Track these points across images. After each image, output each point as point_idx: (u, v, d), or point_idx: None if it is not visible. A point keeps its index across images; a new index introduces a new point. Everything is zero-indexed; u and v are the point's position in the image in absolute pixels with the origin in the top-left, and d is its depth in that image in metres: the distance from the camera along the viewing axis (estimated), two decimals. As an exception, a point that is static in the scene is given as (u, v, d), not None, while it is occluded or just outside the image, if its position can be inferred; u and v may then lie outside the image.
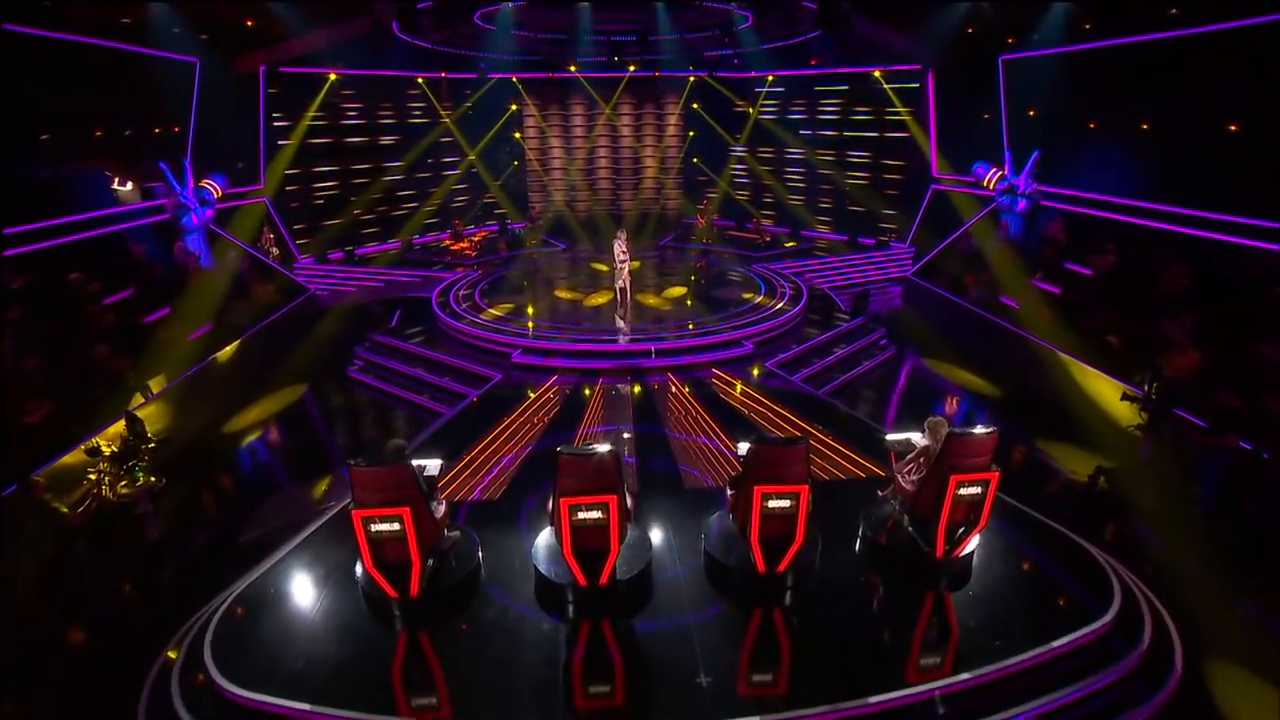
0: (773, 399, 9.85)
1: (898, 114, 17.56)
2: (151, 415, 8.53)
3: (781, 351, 11.69)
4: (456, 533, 6.04)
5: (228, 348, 10.68)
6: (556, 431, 8.99)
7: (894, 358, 12.40)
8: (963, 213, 15.74)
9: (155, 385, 9.30)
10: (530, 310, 13.44)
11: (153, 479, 6.60)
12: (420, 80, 18.26)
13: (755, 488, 5.18)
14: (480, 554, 6.04)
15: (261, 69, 14.56)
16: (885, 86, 17.29)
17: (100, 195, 11.89)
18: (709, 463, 8.09)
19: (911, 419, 10.25)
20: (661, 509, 6.97)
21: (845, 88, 18.51)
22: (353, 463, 4.92)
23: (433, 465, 5.98)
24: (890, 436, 6.43)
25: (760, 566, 5.51)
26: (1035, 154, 13.58)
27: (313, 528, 6.71)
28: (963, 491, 5.36)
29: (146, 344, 9.68)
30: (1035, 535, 6.42)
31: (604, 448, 5.19)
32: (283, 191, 16.17)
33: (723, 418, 9.25)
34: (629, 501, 5.52)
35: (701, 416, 9.35)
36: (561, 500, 5.01)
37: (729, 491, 5.83)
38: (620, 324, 12.46)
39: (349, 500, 5.08)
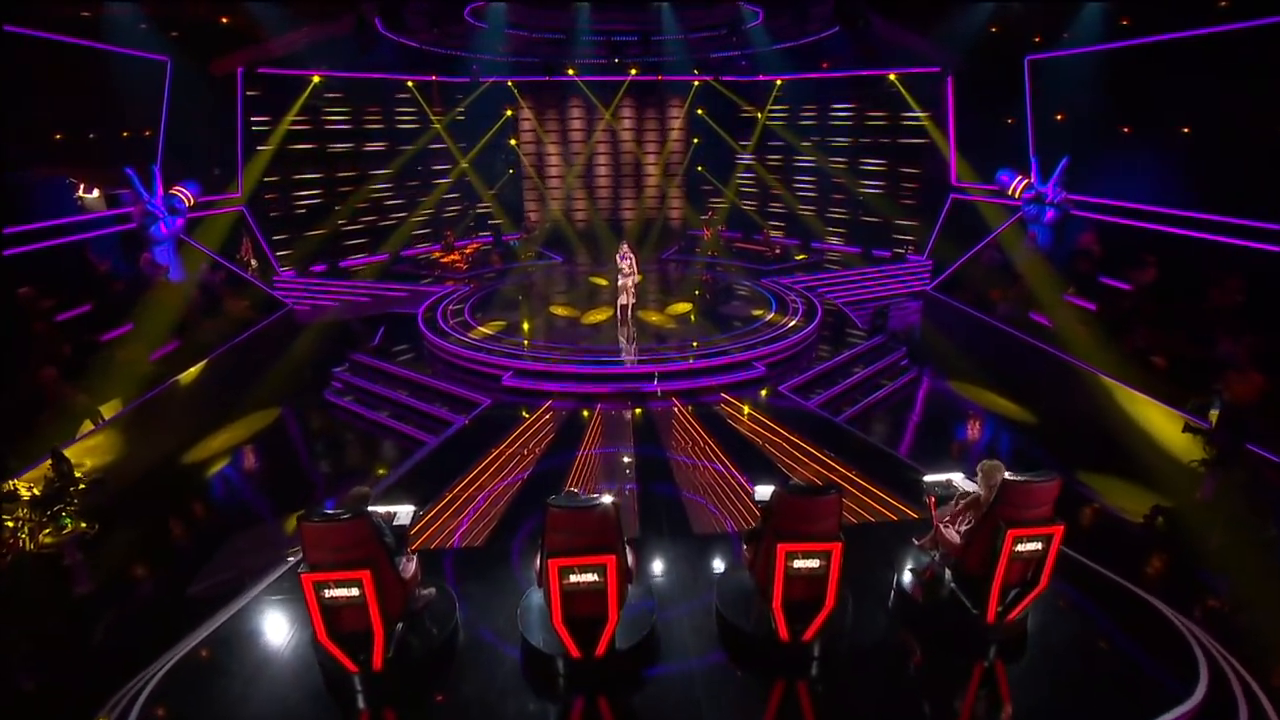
0: (787, 426, 9.21)
1: (914, 119, 17.06)
2: (98, 446, 7.90)
3: (795, 374, 11.08)
4: (431, 590, 5.39)
5: (192, 369, 10.06)
6: (549, 464, 8.35)
7: (916, 380, 11.77)
8: (986, 223, 15.20)
9: (108, 410, 8.67)
10: (526, 327, 12.86)
11: (83, 525, 5.95)
12: (410, 84, 17.81)
13: (779, 546, 4.53)
14: (459, 614, 5.38)
15: (239, 70, 14.06)
16: (901, 90, 16.78)
17: (60, 203, 11.34)
18: (718, 496, 7.44)
19: (939, 449, 9.73)
20: (666, 556, 6.31)
21: (859, 92, 18.00)
22: (304, 518, 4.27)
23: (404, 513, 5.34)
24: (929, 478, 5.79)
25: (783, 634, 4.85)
26: (1064, 160, 13.07)
27: (271, 578, 6.05)
28: (1020, 548, 4.71)
29: (101, 364, 9.06)
30: (1099, 593, 5.75)
31: (603, 498, 4.56)
32: (261, 200, 15.63)
33: (734, 450, 8.60)
34: (630, 558, 4.87)
35: (710, 448, 8.70)
36: (550, 562, 4.36)
37: (745, 546, 5.17)
38: (623, 343, 11.87)
39: (300, 559, 4.44)
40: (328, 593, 4.31)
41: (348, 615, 4.44)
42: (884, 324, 13.02)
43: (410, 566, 4.97)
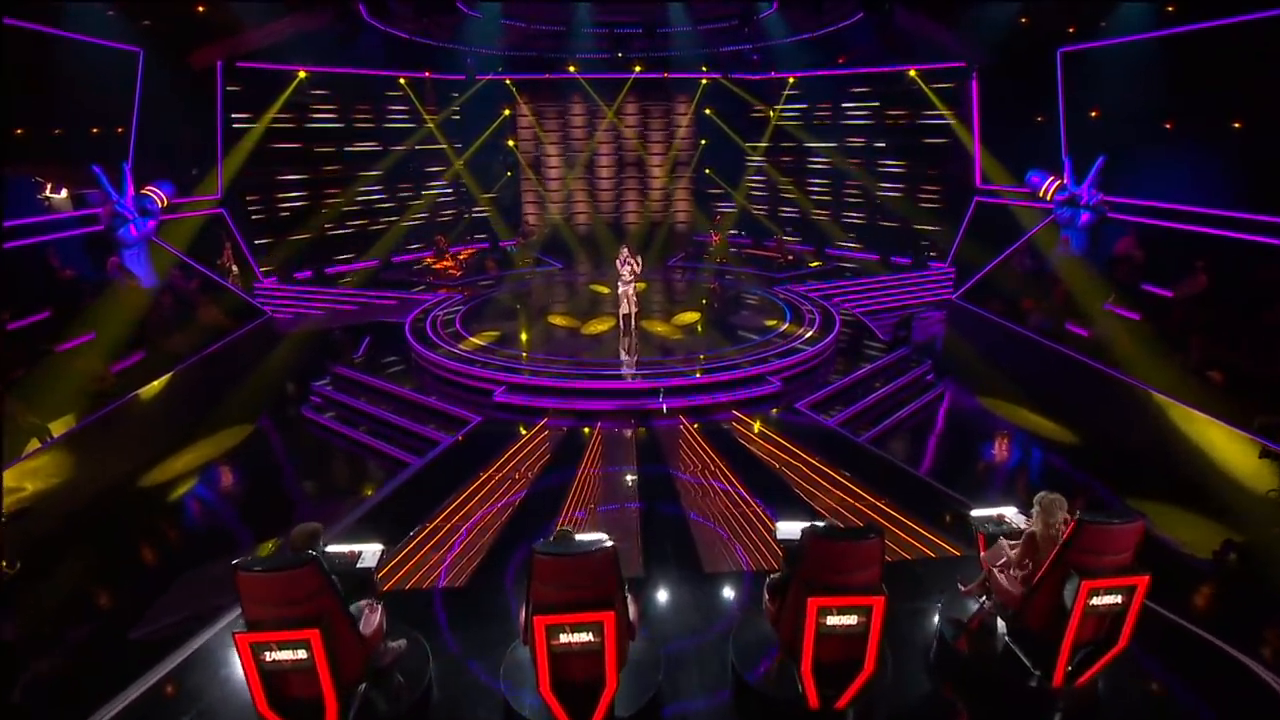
0: (806, 447, 8.59)
1: (937, 117, 16.51)
2: (43, 468, 7.33)
3: (812, 389, 10.48)
4: (401, 642, 4.77)
5: (156, 382, 9.49)
6: (543, 487, 7.74)
7: (943, 396, 11.13)
8: (1014, 227, 14.62)
9: (58, 427, 8.10)
10: (524, 337, 12.31)
11: (3, 564, 5.36)
12: (402, 80, 17.35)
13: (809, 600, 3.90)
14: (434, 670, 4.77)
15: (219, 63, 13.60)
16: (922, 86, 16.25)
17: (19, 202, 10.82)
18: (732, 526, 6.81)
19: (974, 474, 9.11)
20: (674, 601, 5.69)
21: (877, 89, 17.48)
22: (239, 565, 3.67)
23: (369, 553, 4.73)
24: (977, 513, 5.16)
25: (812, 701, 4.21)
26: (1100, 160, 12.50)
27: (225, 621, 5.45)
28: (1096, 602, 4.07)
29: (55, 376, 8.49)
30: (1172, 645, 5.09)
31: (599, 540, 3.96)
32: (243, 202, 15.13)
33: (749, 474, 7.98)
34: (631, 610, 4.25)
35: (722, 471, 8.08)
36: (537, 620, 3.74)
37: (767, 596, 4.54)
38: (625, 357, 11.30)
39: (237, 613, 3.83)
40: (269, 655, 3.70)
41: (295, 681, 3.82)
42: (907, 335, 12.40)
43: (374, 618, 4.35)
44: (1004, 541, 4.83)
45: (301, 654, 3.70)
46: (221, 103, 13.98)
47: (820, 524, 4.79)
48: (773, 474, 8.05)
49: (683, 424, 9.51)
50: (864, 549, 3.94)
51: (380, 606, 4.48)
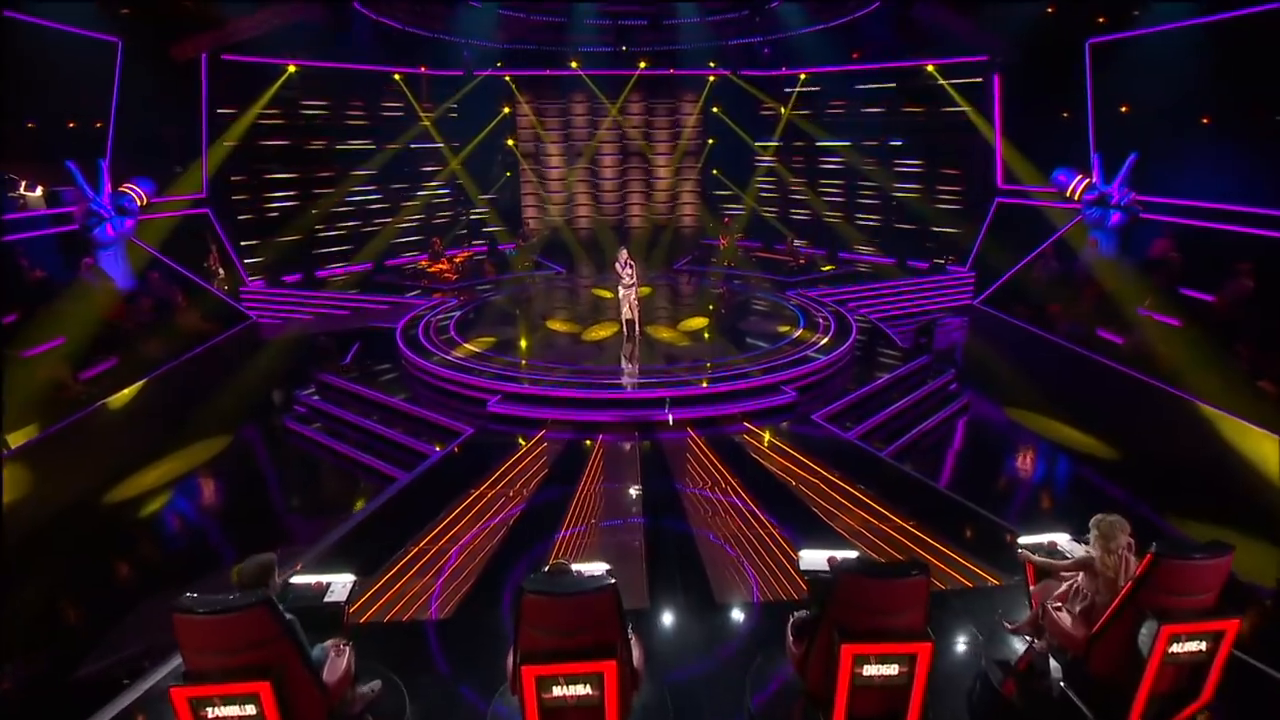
0: (825, 462, 8.10)
1: (956, 115, 16.07)
2: (-4, 484, 6.86)
3: (829, 400, 10.00)
4: (375, 684, 4.31)
5: (126, 390, 9.05)
6: (539, 506, 7.27)
7: (968, 407, 10.63)
8: (1038, 229, 14.17)
9: (17, 439, 7.65)
10: (524, 344, 11.88)
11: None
12: (397, 76, 16.99)
13: (843, 647, 3.41)
14: (410, 717, 4.29)
15: (203, 56, 13.23)
16: (941, 81, 15.81)
17: (-13, 200, 10.46)
18: (746, 549, 6.32)
19: (1003, 490, 8.64)
20: (683, 637, 5.20)
21: (893, 85, 17.05)
22: (178, 607, 3.21)
23: (339, 585, 4.26)
24: (1025, 540, 4.66)
25: (845, 761, 3.71)
26: (1131, 157, 12.06)
27: (178, 661, 4.95)
28: (1177, 649, 3.57)
29: (16, 384, 8.05)
30: (1252, 692, 4.58)
31: (599, 573, 3.50)
32: (229, 201, 14.75)
33: (764, 491, 7.49)
34: (636, 655, 3.77)
35: (734, 489, 7.59)
36: (525, 670, 3.26)
37: (791, 638, 4.05)
38: (626, 364, 10.86)
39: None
40: (211, 713, 3.22)
41: (244, 739, 3.34)
42: (929, 342, 11.91)
43: (341, 662, 3.87)
44: (1057, 570, 4.34)
45: (250, 710, 3.22)
46: (206, 97, 13.60)
47: (852, 556, 4.33)
48: (789, 491, 7.57)
49: (690, 436, 9.03)
50: (907, 588, 3.45)
51: (349, 647, 4.00)
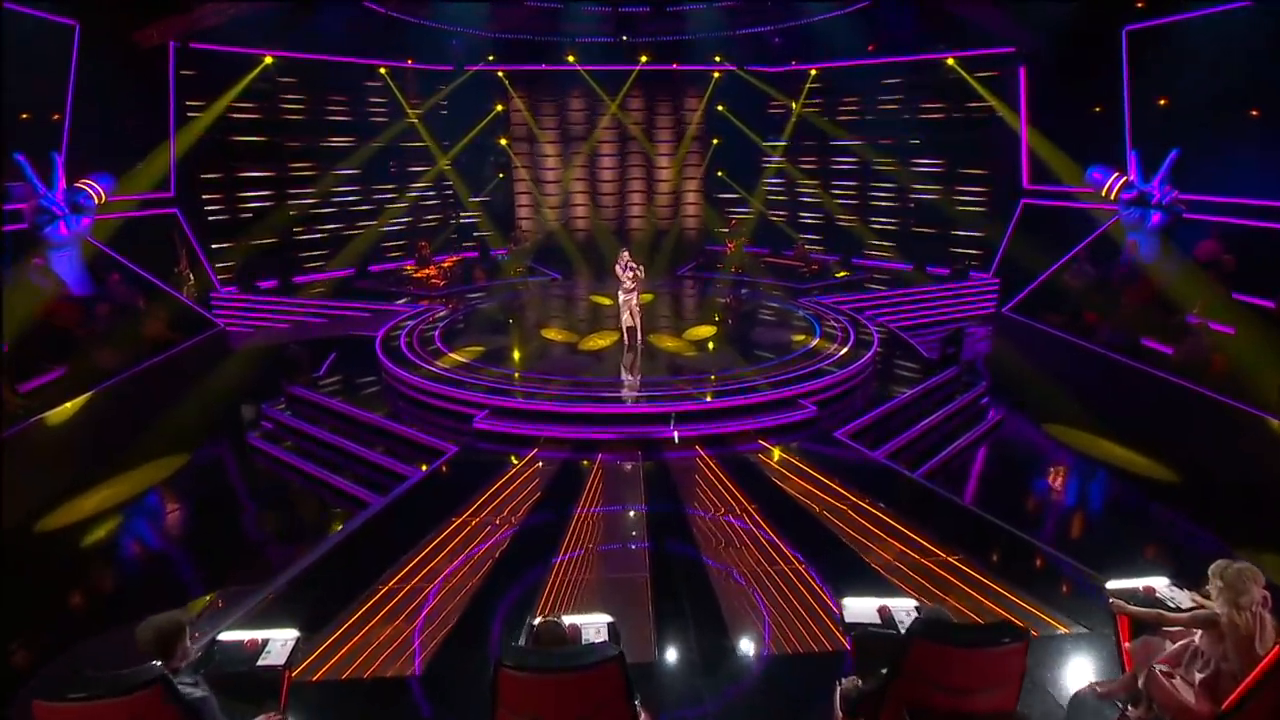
0: (852, 486, 7.41)
1: (978, 111, 15.52)
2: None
3: (850, 415, 9.35)
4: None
5: (69, 403, 8.35)
6: (531, 535, 6.57)
7: (1002, 423, 9.94)
8: (1070, 231, 13.58)
9: (-60, 461, 6.95)
10: (516, 355, 11.22)
11: None
12: (382, 70, 16.43)
13: (920, 737, 2.71)
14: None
15: (170, 43, 12.64)
16: (963, 74, 15.26)
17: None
18: (764, 582, 5.61)
19: (1056, 518, 7.93)
20: (695, 695, 4.48)
21: (910, 80, 16.51)
22: (42, 691, 2.51)
23: (278, 643, 3.56)
24: (1115, 586, 3.96)
25: None
26: (1173, 153, 11.55)
27: None
28: (1342, 737, 2.87)
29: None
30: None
31: (596, 626, 2.82)
32: (199, 201, 14.11)
33: (787, 521, 6.80)
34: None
35: (753, 517, 6.90)
36: (501, 773, 2.56)
37: (840, 713, 3.33)
38: (626, 376, 10.20)
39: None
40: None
41: None
42: (957, 352, 11.24)
43: (274, 746, 3.16)
44: (1167, 626, 3.65)
45: (138, 824, 2.52)
46: (174, 89, 12.99)
47: (907, 606, 3.65)
48: (812, 518, 6.87)
49: (699, 456, 8.34)
50: (997, 660, 2.76)
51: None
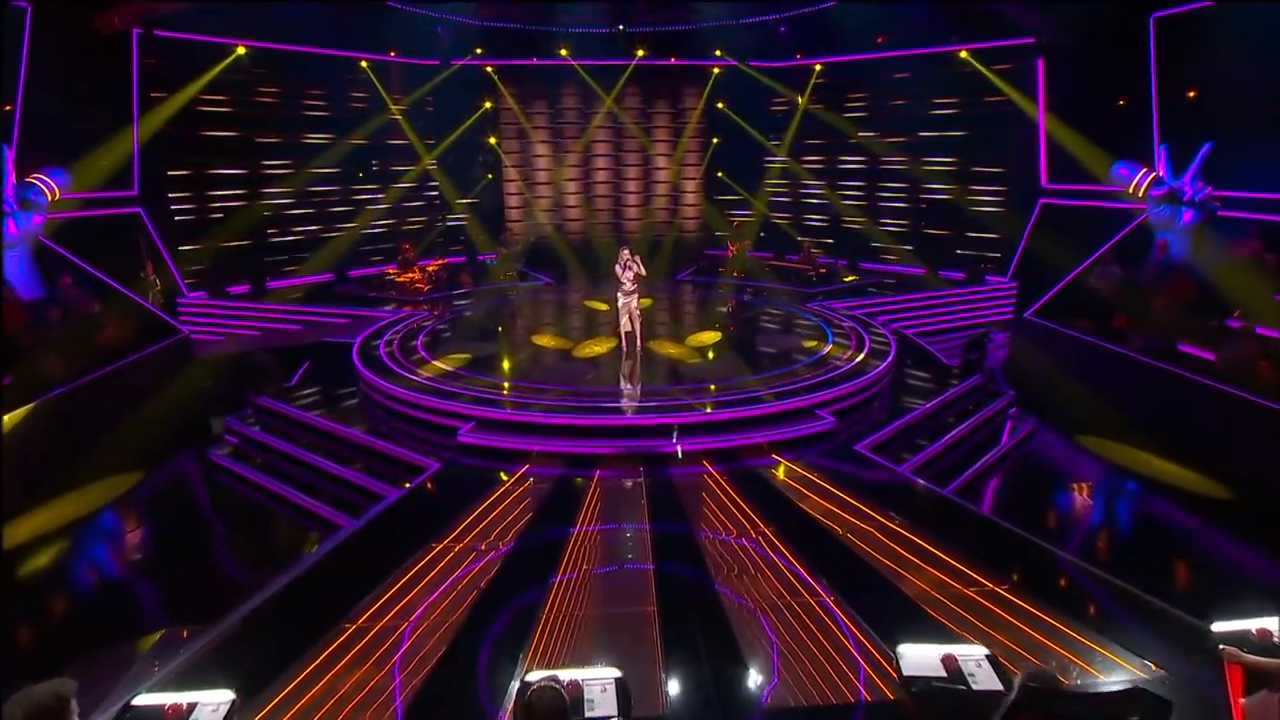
0: (878, 505, 6.84)
1: (995, 105, 15.10)
2: None
3: (871, 426, 8.81)
4: None
5: (10, 414, 7.70)
6: (519, 565, 5.96)
7: (1034, 434, 9.41)
8: (1093, 232, 13.14)
9: None
10: (505, 364, 10.66)
11: None
12: (364, 63, 15.91)
13: None
14: None
15: (133, 30, 12.08)
16: (980, 67, 14.83)
17: None
18: (786, 617, 5.02)
19: (1100, 537, 7.40)
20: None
21: (921, 73, 16.09)
22: None
23: (208, 708, 2.95)
24: (1221, 628, 3.39)
25: None
26: (1206, 147, 11.14)
27: None
28: None
29: None
30: None
31: (600, 685, 2.28)
32: (165, 199, 13.52)
33: (807, 544, 6.22)
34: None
35: (771, 540, 6.31)
36: None
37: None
38: (626, 385, 9.66)
39: None
40: None
41: None
42: (980, 358, 10.71)
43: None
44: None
45: None
46: (138, 79, 12.41)
47: (977, 655, 3.09)
48: (837, 542, 6.30)
49: (708, 472, 7.77)
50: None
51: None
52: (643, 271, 10.36)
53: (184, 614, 5.51)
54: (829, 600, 5.41)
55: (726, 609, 5.34)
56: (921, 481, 7.51)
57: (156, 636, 5.16)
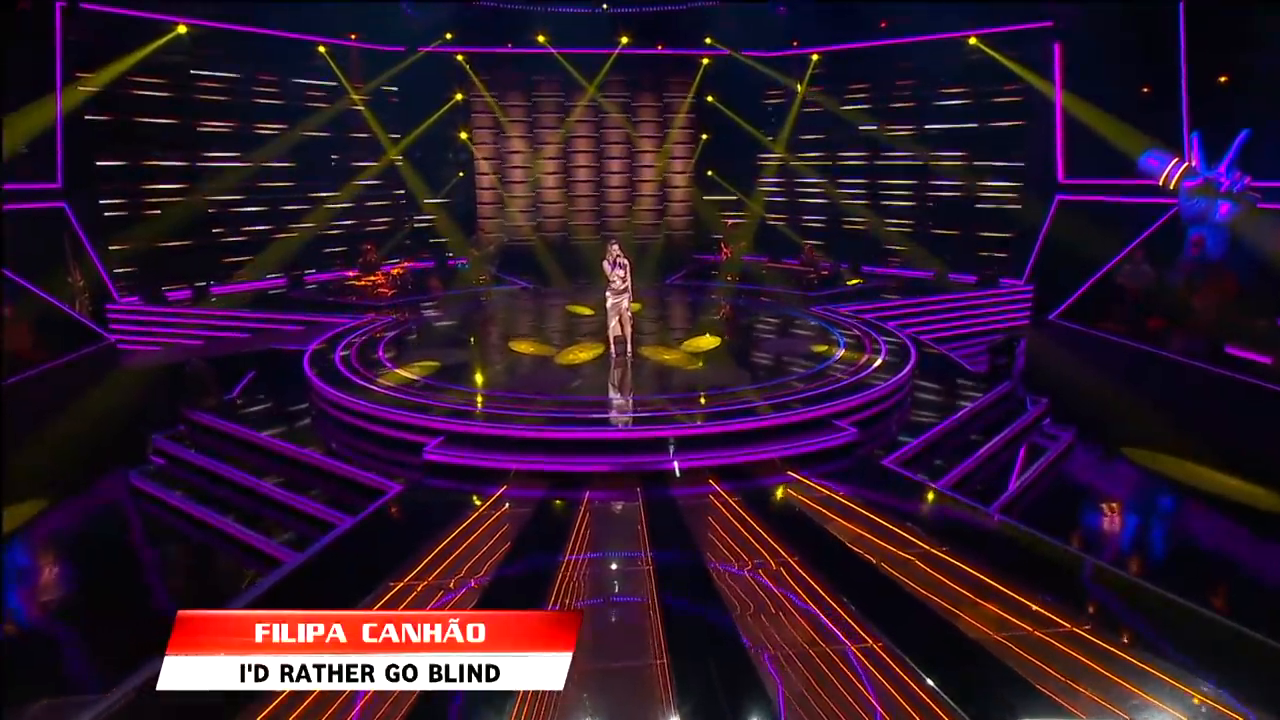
0: (913, 529, 6.10)
1: (1007, 96, 14.66)
2: None
3: (891, 438, 8.14)
4: None
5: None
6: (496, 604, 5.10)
7: (1074, 447, 8.76)
8: (1117, 228, 12.70)
9: None
10: (479, 373, 9.86)
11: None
12: (321, 48, 15.15)
13: None
14: None
15: (58, 4, 11.22)
16: (991, 54, 14.37)
17: None
18: (819, 670, 4.22)
19: (1167, 561, 6.74)
20: None
21: (926, 61, 15.64)
22: None
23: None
24: None
25: None
26: (1242, 134, 10.87)
27: None
28: None
29: None
30: None
31: None
32: (93, 193, 12.59)
33: (837, 575, 5.45)
34: None
35: (796, 573, 5.53)
36: None
37: None
38: (616, 395, 8.92)
39: None
40: None
41: None
42: (1009, 364, 10.06)
43: None
44: None
45: None
46: (61, 57, 11.52)
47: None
48: (870, 571, 5.53)
49: (715, 491, 6.99)
50: None
51: None
52: (633, 266, 9.66)
53: (71, 680, 4.58)
54: (874, 646, 4.61)
55: (753, 659, 4.53)
56: (963, 499, 6.78)
57: (34, 708, 4.24)
